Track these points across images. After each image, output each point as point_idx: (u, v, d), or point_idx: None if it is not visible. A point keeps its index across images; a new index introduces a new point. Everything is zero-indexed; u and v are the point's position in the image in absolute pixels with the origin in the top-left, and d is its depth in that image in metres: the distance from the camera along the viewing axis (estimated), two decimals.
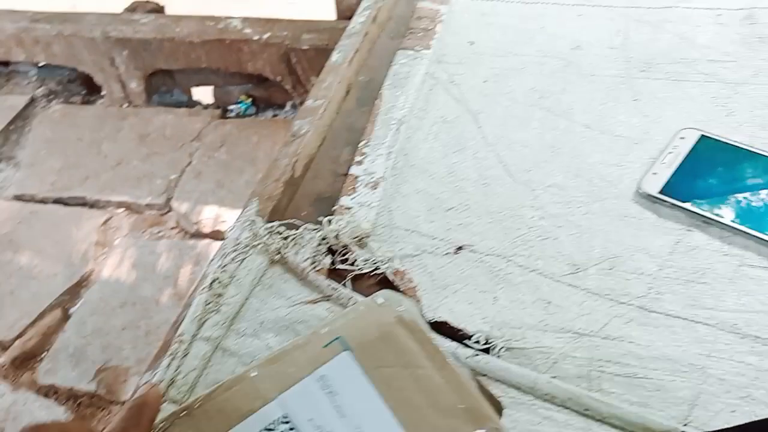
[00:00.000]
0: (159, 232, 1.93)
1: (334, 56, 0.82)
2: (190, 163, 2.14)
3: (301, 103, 2.41)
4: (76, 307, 1.77)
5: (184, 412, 0.37)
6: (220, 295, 0.54)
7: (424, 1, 0.91)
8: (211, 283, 0.53)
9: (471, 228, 0.61)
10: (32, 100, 2.67)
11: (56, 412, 1.54)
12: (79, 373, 1.61)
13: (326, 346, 0.39)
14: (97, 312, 1.73)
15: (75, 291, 1.80)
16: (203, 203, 1.95)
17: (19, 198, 2.16)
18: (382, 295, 0.43)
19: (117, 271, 1.82)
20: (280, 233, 0.60)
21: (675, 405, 0.46)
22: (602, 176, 0.64)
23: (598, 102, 0.74)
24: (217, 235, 1.86)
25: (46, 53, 2.63)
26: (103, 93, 2.67)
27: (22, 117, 2.57)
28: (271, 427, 0.36)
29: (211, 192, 2.00)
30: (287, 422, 0.36)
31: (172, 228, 1.94)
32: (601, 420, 0.46)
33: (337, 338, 0.39)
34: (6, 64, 2.81)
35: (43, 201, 2.11)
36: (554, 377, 0.48)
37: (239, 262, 0.56)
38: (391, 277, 0.57)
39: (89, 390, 1.56)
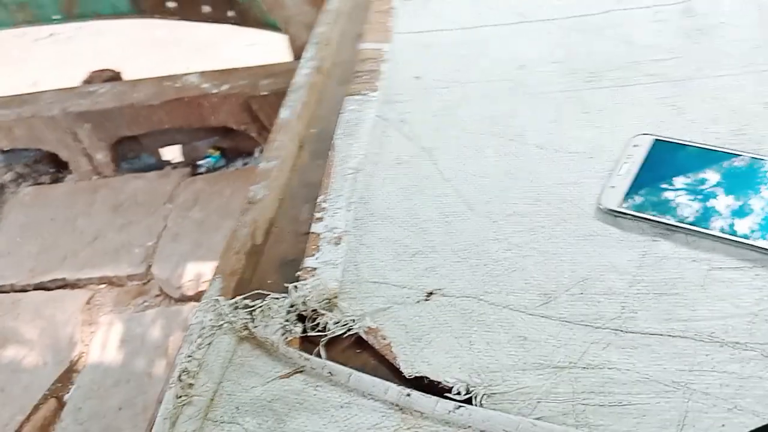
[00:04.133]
0: (144, 302, 1.91)
1: (283, 113, 0.81)
2: (165, 226, 2.12)
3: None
4: (70, 393, 1.73)
5: None
6: (190, 386, 0.52)
7: (367, 43, 0.91)
8: (179, 376, 0.52)
9: (438, 270, 0.60)
10: (1, 187, 2.65)
11: None
12: None
13: None
14: (92, 395, 1.70)
15: (66, 377, 1.77)
16: (184, 265, 1.94)
17: None
18: None
19: (106, 350, 1.79)
20: (247, 307, 0.59)
21: (663, 428, 0.45)
22: (561, 197, 0.64)
23: (547, 120, 0.73)
24: (201, 297, 1.84)
25: (9, 138, 2.61)
26: (70, 169, 2.66)
27: None
28: None
29: (190, 252, 1.98)
30: None
31: (156, 296, 1.91)
32: None
33: None
34: None
35: (23, 289, 2.08)
36: (538, 419, 0.47)
37: (206, 347, 0.55)
38: (364, 337, 0.56)
39: None
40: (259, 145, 2.47)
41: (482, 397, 0.49)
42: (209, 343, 0.55)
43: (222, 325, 0.57)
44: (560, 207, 0.63)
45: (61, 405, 1.71)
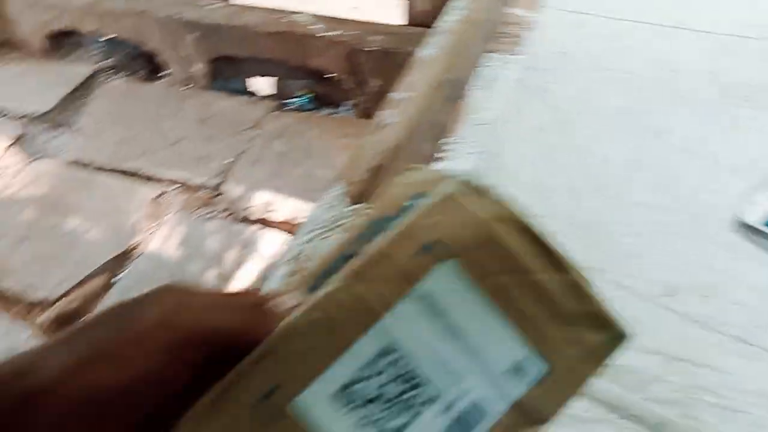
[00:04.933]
0: (209, 213, 1.94)
1: (423, 52, 0.81)
2: (246, 150, 2.15)
3: (357, 104, 2.42)
4: (121, 275, 1.78)
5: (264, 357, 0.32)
6: (303, 269, 0.53)
7: (515, 8, 0.90)
8: (298, 255, 0.52)
9: (554, 237, 0.59)
10: (96, 72, 2.72)
11: None
12: None
13: (416, 255, 0.31)
14: (142, 283, 1.74)
15: (121, 260, 1.82)
16: (255, 190, 1.96)
17: (75, 163, 2.20)
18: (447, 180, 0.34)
19: (164, 246, 1.84)
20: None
21: None
22: (698, 201, 0.62)
23: (694, 126, 0.71)
24: (265, 223, 1.87)
25: (115, 27, 2.68)
26: (166, 72, 2.71)
27: (84, 86, 2.62)
28: (371, 363, 0.30)
29: (264, 180, 2.00)
30: (389, 355, 0.30)
31: (223, 210, 1.94)
32: None
33: (430, 245, 0.31)
34: (73, 34, 2.88)
35: (99, 169, 2.14)
36: (645, 399, 0.46)
37: (319, 240, 0.55)
38: None
39: None
40: (350, 98, 2.48)
41: None
42: (323, 238, 0.55)
43: (340, 225, 0.57)
44: (696, 211, 0.61)
45: (110, 284, 1.76)
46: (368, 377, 0.28)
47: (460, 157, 0.67)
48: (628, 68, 0.80)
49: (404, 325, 0.30)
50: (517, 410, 0.30)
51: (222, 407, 0.28)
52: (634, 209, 0.62)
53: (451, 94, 0.78)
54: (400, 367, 0.30)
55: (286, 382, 0.31)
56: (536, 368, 0.30)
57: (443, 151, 0.68)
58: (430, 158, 0.68)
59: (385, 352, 0.30)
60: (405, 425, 0.30)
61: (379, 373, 0.29)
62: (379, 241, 0.32)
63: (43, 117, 2.45)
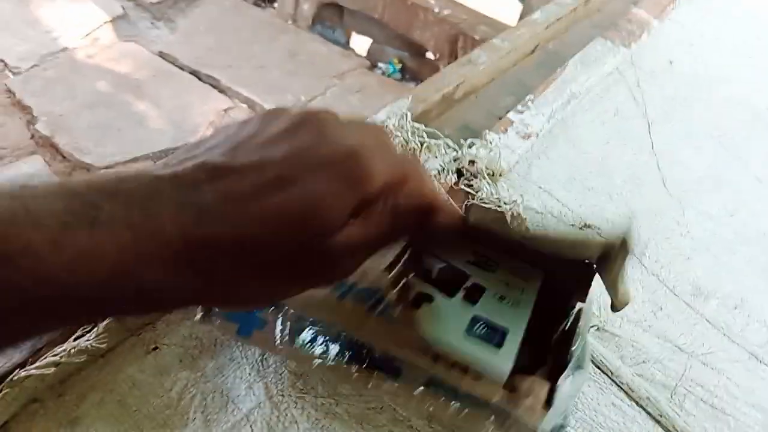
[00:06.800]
0: None
1: (536, 14, 0.80)
2: (323, 94, 2.17)
3: None
4: None
5: None
6: None
7: (639, 9, 0.88)
8: None
9: (604, 212, 0.58)
10: None
11: None
12: None
13: None
14: None
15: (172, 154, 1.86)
16: None
17: (162, 56, 2.26)
18: None
19: None
20: (422, 136, 0.59)
21: None
22: (759, 227, 0.60)
23: None
24: None
25: None
26: (274, 4, 2.76)
27: None
28: None
29: None
30: None
31: None
32: None
33: None
34: None
35: (182, 67, 2.19)
36: (639, 375, 0.44)
37: None
38: (508, 219, 0.55)
39: None
40: None
41: (593, 327, 0.47)
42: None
43: (398, 136, 0.57)
44: (750, 231, 0.59)
45: None
46: None
47: (537, 115, 0.66)
48: (728, 95, 0.78)
49: None
50: None
51: None
52: (695, 216, 0.60)
53: (546, 61, 0.77)
54: None
55: None
56: None
57: (524, 105, 0.67)
58: (505, 109, 0.67)
59: None
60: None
61: None
62: None
63: (149, 6, 2.51)
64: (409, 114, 0.60)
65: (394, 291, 0.34)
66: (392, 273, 0.35)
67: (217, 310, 0.35)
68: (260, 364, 0.39)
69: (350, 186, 0.24)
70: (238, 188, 0.23)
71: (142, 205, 0.22)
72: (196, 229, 0.22)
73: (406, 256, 0.36)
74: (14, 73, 2.07)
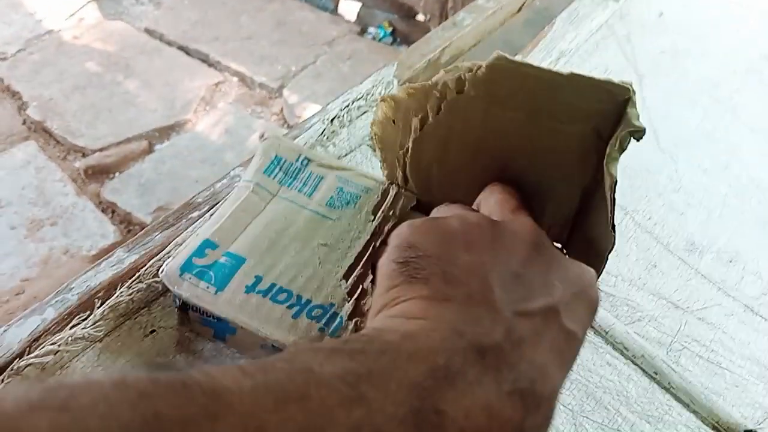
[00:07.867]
0: (261, 111, 1.95)
1: None
2: (313, 62, 2.15)
3: None
4: (163, 145, 1.81)
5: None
6: (333, 133, 0.52)
7: None
8: (332, 119, 0.52)
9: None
10: None
11: (107, 230, 1.59)
12: (141, 203, 1.65)
13: None
14: (179, 157, 1.77)
15: (166, 132, 1.85)
16: (311, 102, 1.96)
17: (149, 32, 2.22)
18: None
19: (210, 130, 1.86)
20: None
21: (750, 406, 0.42)
22: (753, 178, 0.59)
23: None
24: None
25: None
26: None
27: None
28: None
29: (323, 95, 2.00)
30: None
31: (274, 113, 1.96)
32: (667, 388, 0.42)
33: None
34: None
35: (169, 43, 2.17)
36: (635, 332, 0.45)
37: (362, 113, 0.55)
38: None
39: (144, 221, 1.60)
40: None
41: None
42: (364, 112, 0.55)
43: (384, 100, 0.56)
44: (747, 185, 0.59)
45: (150, 150, 1.79)
46: None
47: None
48: (720, 45, 0.77)
49: None
50: None
51: None
52: (688, 171, 0.59)
53: (533, 19, 0.75)
54: None
55: None
56: None
57: None
58: None
59: None
60: None
61: None
62: None
63: None
64: (395, 81, 0.59)
65: (350, 302, 0.34)
66: (349, 281, 0.35)
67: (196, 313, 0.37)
68: None
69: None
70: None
71: None
72: None
73: (365, 258, 0.36)
74: (0, 59, 2.05)
